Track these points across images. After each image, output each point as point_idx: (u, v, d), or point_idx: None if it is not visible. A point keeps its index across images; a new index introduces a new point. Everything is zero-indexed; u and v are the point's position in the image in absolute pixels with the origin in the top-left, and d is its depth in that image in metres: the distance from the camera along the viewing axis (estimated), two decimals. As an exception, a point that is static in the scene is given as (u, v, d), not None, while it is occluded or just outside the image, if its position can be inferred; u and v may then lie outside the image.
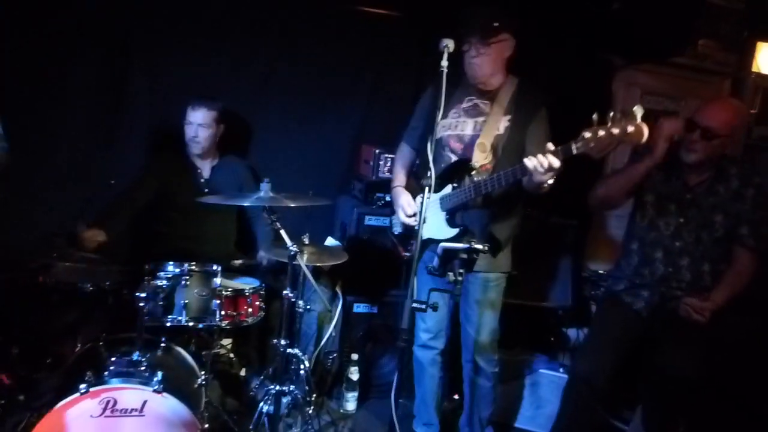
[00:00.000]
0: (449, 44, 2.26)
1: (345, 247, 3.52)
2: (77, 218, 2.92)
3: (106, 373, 2.36)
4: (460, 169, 2.68)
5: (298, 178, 3.65)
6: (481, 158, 2.65)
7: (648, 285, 2.78)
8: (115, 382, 2.32)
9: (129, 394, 2.28)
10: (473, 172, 2.63)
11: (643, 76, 4.23)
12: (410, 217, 2.80)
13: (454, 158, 2.76)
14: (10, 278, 2.63)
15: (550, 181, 2.39)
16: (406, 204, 2.84)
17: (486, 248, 2.35)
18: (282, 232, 2.60)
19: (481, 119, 2.72)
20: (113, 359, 2.42)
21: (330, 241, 3.67)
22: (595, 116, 2.12)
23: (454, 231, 2.67)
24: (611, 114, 2.09)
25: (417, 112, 3.00)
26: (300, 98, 3.79)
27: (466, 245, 2.31)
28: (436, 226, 2.70)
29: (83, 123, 3.42)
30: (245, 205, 2.74)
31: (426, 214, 2.69)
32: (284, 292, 2.73)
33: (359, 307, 3.52)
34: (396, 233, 3.00)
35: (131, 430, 2.28)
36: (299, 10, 3.64)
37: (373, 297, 3.53)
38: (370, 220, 3.53)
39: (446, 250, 2.34)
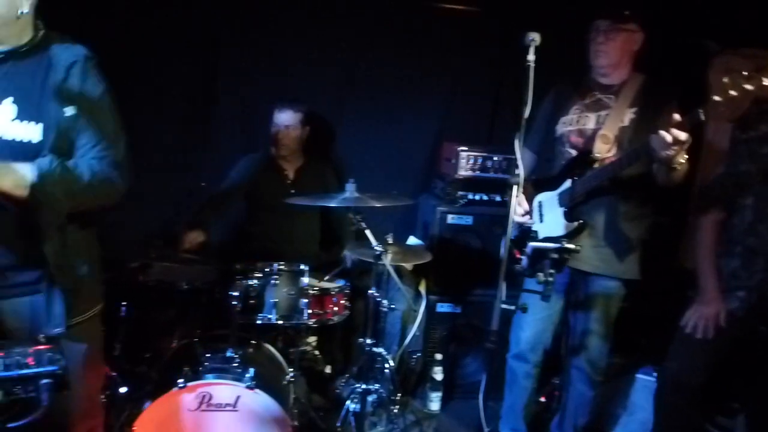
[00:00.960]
0: (535, 38, 2.18)
1: (427, 246, 3.50)
2: (176, 220, 3.04)
3: (201, 368, 2.45)
4: (581, 162, 2.59)
5: (380, 178, 3.66)
6: (603, 150, 2.54)
7: (744, 286, 2.58)
8: (210, 378, 2.40)
9: (223, 390, 2.36)
10: (595, 164, 2.53)
11: (742, 62, 3.94)
12: (523, 216, 2.67)
13: (574, 154, 2.66)
14: (112, 277, 2.77)
15: (681, 161, 2.24)
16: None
17: (578, 248, 2.28)
18: (367, 232, 2.61)
19: (604, 113, 2.61)
20: (208, 355, 2.51)
21: (412, 240, 3.66)
22: (725, 79, 2.00)
23: (572, 225, 2.56)
24: (743, 73, 1.97)
25: (537, 115, 2.90)
26: (381, 98, 3.80)
27: (557, 244, 2.24)
28: (554, 224, 2.62)
29: (176, 126, 3.57)
30: (331, 205, 2.74)
31: (543, 213, 2.68)
32: (369, 291, 2.75)
33: (443, 307, 3.49)
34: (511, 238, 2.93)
35: (225, 425, 2.36)
36: (380, 9, 3.65)
37: (456, 296, 3.50)
38: (453, 219, 3.49)
39: (536, 250, 2.28)
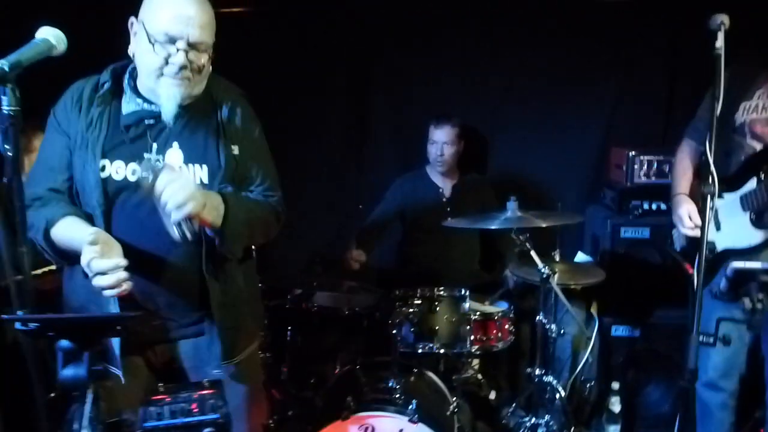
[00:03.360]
0: (724, 20, 1.86)
1: (598, 263, 3.20)
2: (336, 245, 3.06)
3: (364, 399, 2.40)
4: None
5: (543, 191, 3.43)
6: None
7: None
8: (372, 410, 2.34)
9: (386, 422, 2.29)
10: None
11: None
12: (693, 229, 2.32)
13: (759, 147, 2.27)
14: (278, 304, 2.84)
15: None
16: (685, 214, 2.36)
17: (797, 268, 1.90)
18: (532, 253, 2.41)
19: None
20: (370, 385, 2.46)
21: (580, 257, 3.37)
22: None
23: (761, 234, 2.20)
24: None
25: (705, 101, 2.49)
26: (540, 105, 3.55)
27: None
28: (736, 232, 2.27)
29: (333, 150, 3.63)
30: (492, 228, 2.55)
31: (720, 220, 2.32)
32: (537, 318, 2.53)
33: (618, 330, 3.16)
34: (678, 249, 2.59)
35: (389, 457, 2.28)
36: (536, 13, 3.42)
37: (634, 318, 3.14)
38: (627, 232, 3.15)
39: (738, 272, 1.93)
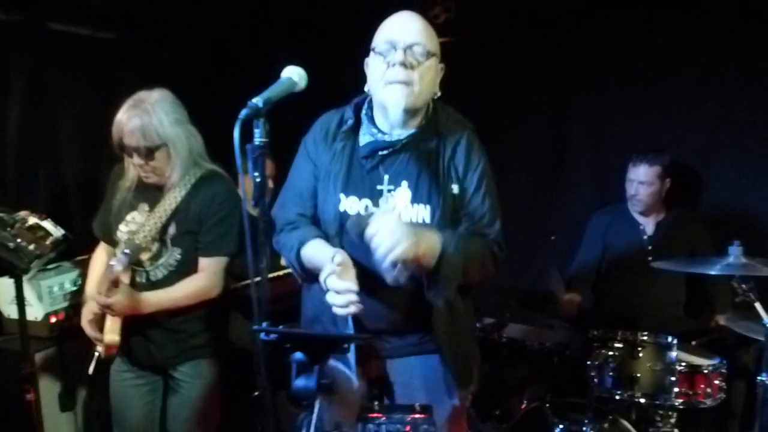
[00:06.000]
0: None
1: None
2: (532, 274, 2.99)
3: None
4: None
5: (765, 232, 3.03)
6: None
7: None
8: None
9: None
10: None
11: None
12: None
13: None
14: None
15: None
16: None
17: None
18: (757, 305, 2.15)
19: None
20: (561, 427, 2.36)
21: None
22: None
23: None
24: None
25: None
26: (762, 134, 3.14)
27: None
28: None
29: (527, 180, 3.58)
30: (710, 273, 2.31)
31: None
32: (759, 378, 2.25)
33: None
34: None
35: None
36: (755, 33, 3.05)
37: None
38: None
39: None
